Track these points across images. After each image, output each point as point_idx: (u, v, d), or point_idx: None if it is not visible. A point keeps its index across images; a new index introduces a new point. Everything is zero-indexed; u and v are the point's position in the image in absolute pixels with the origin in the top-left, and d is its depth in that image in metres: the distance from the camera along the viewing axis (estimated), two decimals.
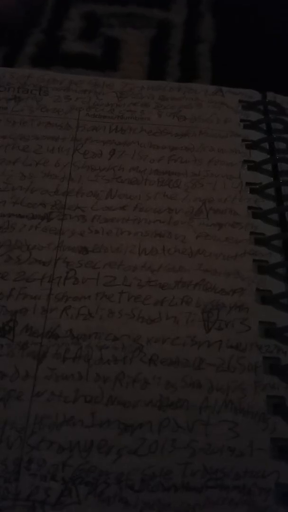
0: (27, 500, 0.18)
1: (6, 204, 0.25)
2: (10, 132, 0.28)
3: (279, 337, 0.22)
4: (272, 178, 0.27)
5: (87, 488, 0.19)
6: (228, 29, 0.38)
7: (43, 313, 0.22)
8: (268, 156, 0.28)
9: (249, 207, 0.26)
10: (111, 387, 0.21)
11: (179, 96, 0.30)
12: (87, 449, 0.19)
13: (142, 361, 0.21)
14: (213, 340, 0.22)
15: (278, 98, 0.31)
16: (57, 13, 0.38)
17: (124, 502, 0.18)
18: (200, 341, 0.22)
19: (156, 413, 0.20)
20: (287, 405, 0.20)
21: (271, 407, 0.20)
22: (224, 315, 0.23)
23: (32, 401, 0.20)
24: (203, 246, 0.24)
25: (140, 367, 0.21)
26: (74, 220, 0.25)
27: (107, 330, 0.22)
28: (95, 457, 0.19)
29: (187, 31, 0.38)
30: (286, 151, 0.28)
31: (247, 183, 0.27)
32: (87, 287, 0.23)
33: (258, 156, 0.28)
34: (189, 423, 0.20)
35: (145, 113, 0.29)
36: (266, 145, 0.29)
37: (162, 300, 0.23)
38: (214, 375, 0.21)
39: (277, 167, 0.27)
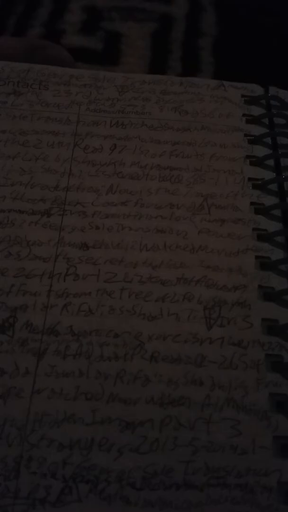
0: (27, 498, 0.18)
1: (6, 199, 0.25)
2: (10, 126, 0.28)
3: (282, 334, 0.22)
4: (274, 174, 0.27)
5: (88, 486, 0.18)
6: (230, 23, 0.38)
7: (43, 309, 0.22)
8: (271, 151, 0.28)
9: (252, 203, 0.26)
10: (112, 384, 0.20)
11: (180, 91, 0.30)
12: (88, 447, 0.19)
13: (143, 358, 0.21)
14: (215, 337, 0.22)
15: (281, 93, 0.30)
16: (58, 6, 0.38)
17: (125, 500, 0.18)
18: (202, 338, 0.22)
19: (158, 410, 0.20)
20: None
21: (273, 405, 0.20)
22: (226, 312, 0.22)
23: (32, 398, 0.20)
24: (205, 242, 0.24)
25: (141, 364, 0.21)
26: (75, 216, 0.25)
27: (108, 326, 0.22)
28: (95, 455, 0.19)
29: (188, 25, 0.38)
30: None
31: (250, 179, 0.27)
32: (88, 284, 0.23)
33: (260, 151, 0.28)
34: (191, 421, 0.20)
35: (146, 108, 0.29)
36: (268, 140, 0.28)
37: (164, 297, 0.23)
38: (216, 373, 0.21)
39: (279, 162, 0.27)
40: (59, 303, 0.22)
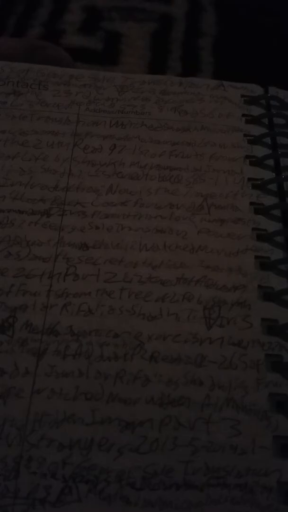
0: (27, 498, 0.18)
1: (5, 199, 0.25)
2: (10, 126, 0.28)
3: (282, 334, 0.22)
4: (274, 174, 0.27)
5: (88, 486, 0.18)
6: (230, 23, 0.38)
7: (43, 309, 0.22)
8: (270, 151, 0.28)
9: (251, 203, 0.26)
10: (111, 384, 0.20)
11: (180, 91, 0.30)
12: (88, 447, 0.19)
13: (143, 358, 0.21)
14: (215, 337, 0.22)
15: (280, 93, 0.30)
16: (58, 6, 0.38)
17: (125, 500, 0.18)
18: (202, 338, 0.22)
19: (157, 410, 0.20)
20: None
21: (273, 405, 0.20)
22: (225, 312, 0.22)
23: (32, 398, 0.20)
24: (205, 242, 0.24)
25: (141, 364, 0.21)
26: (74, 216, 0.25)
27: (107, 326, 0.22)
28: (95, 455, 0.19)
29: (188, 25, 0.38)
30: None
31: (249, 179, 0.27)
32: (88, 284, 0.23)
33: (260, 151, 0.28)
34: (191, 421, 0.20)
35: (146, 108, 0.29)
36: (268, 140, 0.28)
37: (163, 297, 0.23)
38: (216, 373, 0.21)
39: (279, 162, 0.27)
40: (58, 303, 0.22)
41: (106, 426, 0.19)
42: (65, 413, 0.20)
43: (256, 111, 0.30)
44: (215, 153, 0.27)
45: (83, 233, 0.24)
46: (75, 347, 0.21)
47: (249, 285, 0.23)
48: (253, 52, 0.35)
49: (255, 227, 0.25)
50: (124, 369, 0.21)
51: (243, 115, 0.29)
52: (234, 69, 0.34)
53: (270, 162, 0.27)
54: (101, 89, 0.30)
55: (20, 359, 0.21)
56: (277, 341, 0.22)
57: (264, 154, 0.28)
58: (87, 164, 0.27)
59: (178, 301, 0.22)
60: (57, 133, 0.28)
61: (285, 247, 0.24)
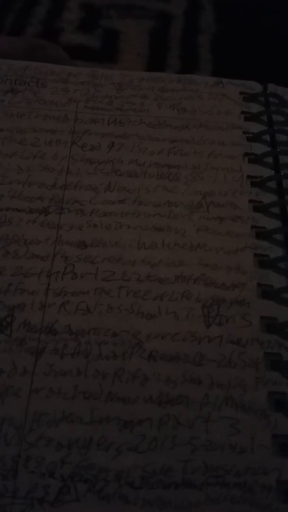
0: (26, 497, 0.18)
1: (3, 198, 0.25)
2: (7, 125, 0.28)
3: (281, 332, 0.22)
4: (273, 171, 0.27)
5: (86, 485, 0.18)
6: (229, 20, 0.38)
7: (41, 308, 0.22)
8: (269, 148, 0.28)
9: (250, 201, 0.26)
10: (110, 383, 0.20)
11: (179, 88, 0.30)
12: (86, 446, 0.19)
13: (141, 357, 0.21)
14: (214, 335, 0.22)
15: (279, 90, 0.30)
16: (56, 4, 0.38)
17: (124, 500, 0.18)
18: (201, 337, 0.21)
19: (156, 409, 0.20)
20: None
21: (272, 404, 0.20)
22: (224, 310, 0.22)
23: (30, 397, 0.20)
24: (204, 240, 0.24)
25: (140, 363, 0.21)
26: (73, 214, 0.25)
27: (106, 325, 0.22)
28: (94, 454, 0.19)
29: (187, 22, 0.38)
30: (287, 143, 0.28)
31: (248, 176, 0.27)
32: (86, 282, 0.23)
33: (259, 148, 0.28)
34: (190, 420, 0.20)
35: (145, 105, 0.29)
36: (267, 137, 0.28)
37: (162, 295, 0.22)
38: (215, 371, 0.21)
39: (278, 160, 0.27)
40: (57, 301, 0.22)
41: (105, 425, 0.19)
42: (63, 412, 0.20)
43: (255, 108, 0.29)
44: (214, 151, 0.27)
45: (81, 232, 0.24)
46: (73, 346, 0.21)
47: (248, 283, 0.23)
48: (251, 50, 0.35)
49: (254, 225, 0.25)
50: (122, 368, 0.21)
51: (242, 112, 0.29)
52: (233, 67, 0.33)
53: (269, 159, 0.27)
54: (99, 86, 0.30)
55: (18, 358, 0.21)
56: (276, 339, 0.22)
57: (263, 152, 0.27)
58: (85, 162, 0.26)
59: (176, 299, 0.22)
60: (55, 131, 0.28)
61: (284, 245, 0.24)
